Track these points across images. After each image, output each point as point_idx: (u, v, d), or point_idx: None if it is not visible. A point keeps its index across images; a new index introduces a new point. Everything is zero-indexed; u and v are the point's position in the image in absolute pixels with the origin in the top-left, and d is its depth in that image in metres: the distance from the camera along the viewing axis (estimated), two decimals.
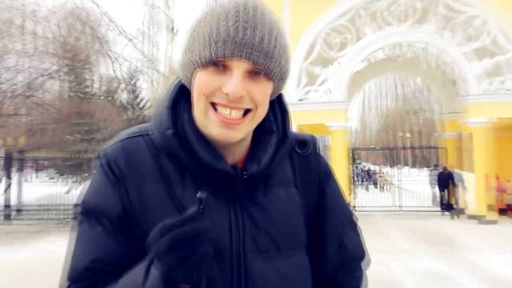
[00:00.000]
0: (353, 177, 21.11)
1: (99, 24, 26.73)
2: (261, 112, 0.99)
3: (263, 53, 0.92)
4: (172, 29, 28.31)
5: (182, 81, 1.04)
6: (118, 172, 0.99)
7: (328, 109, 15.38)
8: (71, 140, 25.45)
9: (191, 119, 1.01)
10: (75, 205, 1.02)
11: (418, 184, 20.70)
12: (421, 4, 15.03)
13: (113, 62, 29.36)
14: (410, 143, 55.54)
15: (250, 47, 0.90)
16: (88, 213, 0.98)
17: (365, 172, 36.79)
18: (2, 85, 25.68)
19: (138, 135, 1.05)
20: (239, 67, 0.92)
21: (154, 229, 0.86)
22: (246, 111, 0.96)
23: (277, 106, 1.10)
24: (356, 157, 29.99)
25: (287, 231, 1.03)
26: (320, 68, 15.82)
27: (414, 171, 32.32)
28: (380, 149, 31.01)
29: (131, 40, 29.18)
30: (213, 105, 0.95)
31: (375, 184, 31.87)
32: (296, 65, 15.51)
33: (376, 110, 70.62)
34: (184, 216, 0.85)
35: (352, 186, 19.16)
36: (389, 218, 16.54)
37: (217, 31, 0.91)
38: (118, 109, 30.24)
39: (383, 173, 29.85)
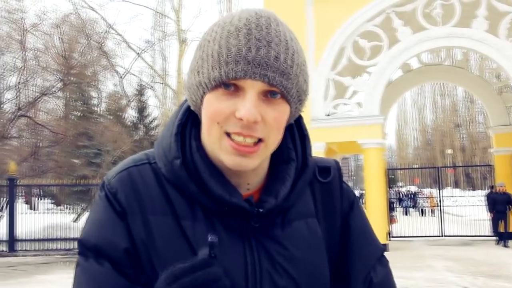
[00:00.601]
0: (391, 201, 20.74)
1: (106, 38, 27.10)
2: (275, 140, 0.97)
3: (279, 72, 0.91)
4: (184, 40, 28.56)
5: (190, 105, 1.03)
6: (125, 204, 0.98)
7: (360, 124, 15.15)
8: (78, 164, 25.69)
9: (200, 147, 1.00)
10: (79, 239, 1.00)
11: (468, 208, 20.18)
12: (460, 5, 14.82)
13: (121, 78, 29.68)
14: (452, 160, 54.70)
15: (265, 66, 0.89)
16: (93, 249, 0.97)
17: (407, 195, 36.21)
18: (3, 105, 26.18)
19: (145, 163, 1.04)
20: (253, 88, 0.91)
21: (162, 275, 0.87)
22: (259, 140, 0.94)
23: (296, 131, 1.09)
24: (393, 177, 29.52)
25: (309, 271, 1.02)
26: (349, 79, 15.65)
27: (457, 191, 31.60)
28: (421, 168, 30.43)
29: (139, 53, 29.50)
30: (227, 134, 0.94)
31: (416, 207, 31.23)
32: (322, 75, 15.39)
33: (415, 124, 69.91)
34: (194, 261, 0.86)
35: (389, 211, 18.82)
36: (432, 246, 16.16)
37: (227, 50, 0.90)
38: (127, 129, 30.51)
39: (431, 195, 29.05)
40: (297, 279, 1.00)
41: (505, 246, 15.52)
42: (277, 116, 0.94)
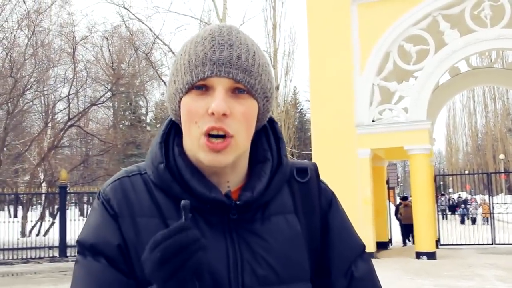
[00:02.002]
0: (440, 208, 20.27)
1: (152, 48, 27.67)
2: (246, 134, 1.06)
3: (241, 69, 1.03)
4: None
5: (172, 117, 1.15)
6: (116, 208, 1.08)
7: (406, 129, 14.86)
8: None
9: (182, 152, 1.10)
10: (77, 240, 1.10)
11: None
12: (510, 6, 14.37)
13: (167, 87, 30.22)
14: (504, 166, 52.97)
15: (228, 65, 1.02)
16: (90, 247, 1.06)
17: (458, 202, 35.24)
18: (55, 116, 27.07)
19: (136, 173, 1.14)
20: (220, 85, 1.02)
21: (146, 247, 0.94)
22: (229, 136, 1.03)
23: (271, 134, 1.18)
24: (442, 184, 28.75)
25: (288, 262, 1.08)
26: (395, 84, 15.41)
27: (510, 198, 30.49)
28: (471, 174, 29.59)
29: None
30: (205, 135, 1.03)
31: (466, 215, 30.29)
32: (367, 80, 15.21)
33: (465, 129, 68.12)
34: (172, 226, 0.93)
35: (438, 218, 18.37)
36: (482, 254, 15.67)
37: (196, 56, 1.04)
38: None
39: (484, 202, 27.95)
40: (276, 268, 1.07)
41: None
42: (245, 111, 1.04)
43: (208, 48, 1.03)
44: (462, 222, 29.03)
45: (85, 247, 1.07)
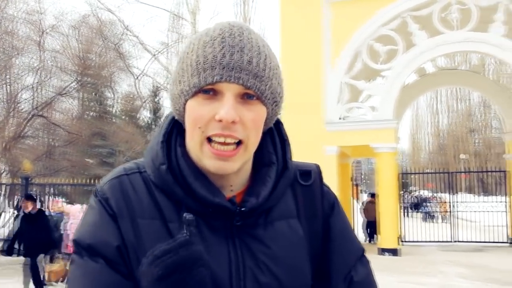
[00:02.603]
0: (403, 206, 20.59)
1: (122, 39, 27.26)
2: (254, 141, 1.03)
3: (252, 74, 0.98)
4: None
5: (174, 115, 1.10)
6: (115, 208, 1.04)
7: (373, 128, 15.06)
8: (91, 164, 25.83)
9: (185, 153, 1.06)
10: (74, 239, 1.06)
11: (481, 213, 19.95)
12: (476, 10, 14.69)
13: (136, 79, 29.82)
14: (465, 165, 54.20)
15: (239, 70, 0.97)
16: (88, 248, 1.03)
17: (420, 199, 35.80)
18: (19, 105, 26.41)
19: (136, 172, 1.10)
20: (229, 91, 0.98)
21: (144, 258, 0.94)
22: (239, 142, 1.01)
23: (277, 136, 1.15)
24: (405, 181, 29.19)
25: (291, 269, 1.07)
26: (364, 82, 15.59)
27: (470, 197, 31.21)
28: (434, 173, 30.14)
29: (155, 55, 29.62)
30: (208, 139, 1.00)
31: (427, 213, 30.84)
32: (336, 79, 15.34)
33: (428, 128, 69.39)
34: (174, 241, 0.92)
35: (401, 216, 18.70)
36: (444, 251, 16.04)
37: (204, 58, 0.98)
38: (141, 130, 30.62)
39: (442, 201, 28.33)
40: (279, 276, 1.04)
41: None
42: (254, 117, 1.01)
43: (217, 50, 0.98)
44: (426, 219, 29.55)
45: (82, 247, 1.03)
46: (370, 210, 18.65)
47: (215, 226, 1.04)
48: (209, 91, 0.99)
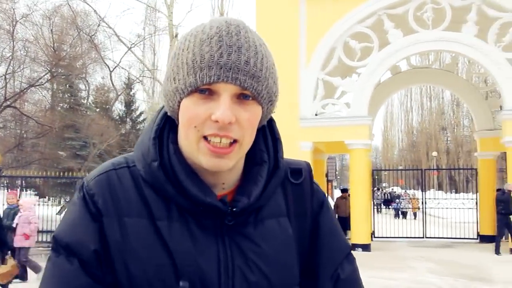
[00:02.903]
0: (375, 202, 20.81)
1: (96, 30, 26.88)
2: (249, 140, 1.03)
3: (249, 75, 0.97)
4: (176, 35, 28.42)
5: (167, 111, 1.09)
6: (101, 206, 1.03)
7: (348, 124, 15.19)
8: (63, 156, 25.46)
9: (177, 150, 1.05)
10: (54, 235, 1.05)
11: (451, 210, 20.31)
12: (450, 10, 14.90)
13: (110, 71, 29.46)
14: (436, 163, 55.06)
15: (236, 70, 0.96)
16: (65, 247, 1.01)
17: (392, 196, 36.27)
18: None
19: (124, 166, 1.08)
20: (226, 91, 0.97)
21: None
22: (234, 141, 1.00)
23: (269, 134, 1.14)
24: (377, 177, 29.52)
25: (280, 268, 1.07)
26: (339, 79, 15.68)
27: (440, 194, 31.71)
28: (406, 169, 30.58)
29: (130, 47, 29.30)
30: (204, 137, 1.00)
31: (398, 210, 31.18)
32: (312, 75, 15.40)
33: (401, 126, 70.23)
34: None
35: (373, 212, 18.91)
36: (414, 247, 16.28)
37: (201, 57, 0.97)
38: (114, 122, 30.29)
39: (413, 197, 28.59)
40: (268, 275, 1.04)
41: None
42: (250, 118, 1.00)
43: (215, 50, 0.97)
44: (397, 216, 29.88)
45: (60, 244, 1.02)
46: (341, 206, 18.77)
47: (205, 224, 1.03)
48: (205, 91, 0.98)
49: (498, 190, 18.00)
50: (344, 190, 20.01)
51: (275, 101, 1.08)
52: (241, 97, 0.99)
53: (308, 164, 1.22)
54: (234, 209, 1.03)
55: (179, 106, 1.02)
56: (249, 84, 0.98)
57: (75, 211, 1.05)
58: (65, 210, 1.11)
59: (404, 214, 29.24)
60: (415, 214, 27.20)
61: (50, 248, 1.07)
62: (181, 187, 1.01)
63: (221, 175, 1.06)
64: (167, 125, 1.09)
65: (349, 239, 16.40)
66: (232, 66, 0.96)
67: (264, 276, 1.04)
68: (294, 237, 1.11)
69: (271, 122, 1.15)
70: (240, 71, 0.97)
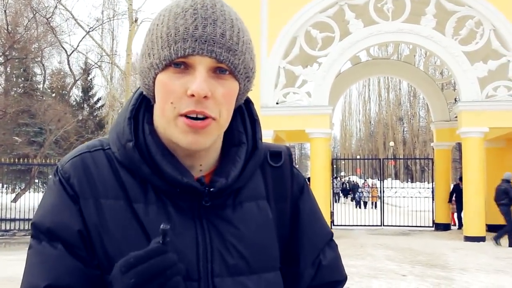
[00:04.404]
0: (334, 191, 21.07)
1: (53, 13, 26.14)
2: (226, 117, 1.00)
3: (225, 48, 0.95)
4: (136, 20, 27.93)
5: (143, 91, 1.06)
6: (77, 188, 1.01)
7: (308, 113, 15.30)
8: (18, 143, 24.76)
9: (153, 130, 1.03)
10: (32, 223, 1.02)
11: (407, 199, 20.79)
12: (410, 2, 15.15)
13: (68, 55, 28.76)
14: (393, 152, 56.21)
15: (211, 43, 0.94)
16: (47, 232, 0.99)
17: (350, 185, 36.72)
18: None
19: (99, 149, 1.06)
20: (201, 64, 0.95)
21: (116, 265, 0.90)
22: (211, 118, 0.98)
23: (247, 115, 1.12)
24: (335, 167, 29.83)
25: (259, 251, 1.05)
26: (300, 68, 15.75)
27: (397, 183, 32.39)
28: (364, 159, 31.09)
29: (88, 31, 28.64)
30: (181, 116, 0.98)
31: (359, 199, 31.50)
32: (273, 63, 15.42)
33: (359, 116, 71.28)
34: (148, 249, 0.89)
35: (332, 201, 19.16)
36: (372, 235, 16.61)
37: (175, 30, 0.95)
38: (71, 108, 29.65)
39: (374, 187, 28.60)
40: (247, 257, 1.03)
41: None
42: (226, 92, 0.98)
43: (189, 22, 0.95)
44: (358, 205, 30.03)
45: (40, 230, 0.99)
46: None
47: (182, 206, 1.01)
48: (180, 65, 0.96)
49: (456, 185, 18.58)
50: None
51: (252, 78, 1.06)
52: (217, 72, 0.97)
53: (288, 148, 1.20)
54: (211, 189, 1.01)
55: (154, 82, 0.99)
56: (225, 57, 0.96)
57: (52, 195, 1.02)
58: (42, 196, 1.06)
59: (365, 204, 29.59)
60: (375, 204, 27.45)
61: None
62: (157, 168, 0.99)
63: (199, 157, 1.04)
64: (143, 106, 1.06)
65: None
66: (207, 38, 0.94)
67: (243, 259, 1.03)
68: (274, 222, 1.09)
69: (249, 103, 1.13)
70: (216, 44, 0.95)
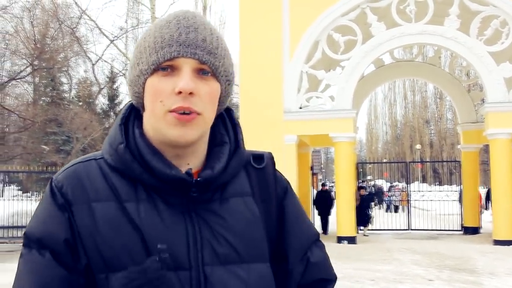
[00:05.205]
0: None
1: (78, 23, 26.60)
2: (210, 114, 1.09)
3: (206, 51, 1.05)
4: None
5: (132, 102, 1.15)
6: (70, 195, 1.07)
7: (332, 117, 15.23)
8: (46, 151, 25.23)
9: (143, 134, 1.11)
10: (25, 232, 1.08)
11: (435, 202, 20.49)
12: (433, 3, 14.99)
13: (93, 64, 29.19)
14: (420, 155, 55.52)
15: (194, 46, 1.05)
16: (36, 241, 1.05)
17: (378, 189, 36.22)
18: None
19: (91, 159, 1.13)
20: (186, 65, 1.04)
21: (117, 277, 0.99)
22: (196, 114, 1.06)
23: (228, 120, 1.20)
24: (361, 171, 29.57)
25: (248, 241, 1.10)
26: (323, 72, 15.71)
27: (424, 186, 31.90)
28: (390, 162, 30.76)
29: (112, 40, 29.04)
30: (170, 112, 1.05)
31: (389, 204, 30.78)
32: (296, 68, 15.41)
33: (385, 119, 70.63)
34: (145, 265, 0.99)
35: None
36: (399, 239, 16.42)
37: (162, 38, 1.05)
38: (98, 116, 30.06)
39: (403, 190, 27.62)
40: (237, 247, 1.08)
41: None
42: (210, 91, 1.07)
43: (174, 30, 1.06)
44: (389, 210, 29.13)
45: (31, 240, 1.06)
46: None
47: (172, 202, 1.07)
48: (167, 68, 1.05)
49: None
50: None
51: (232, 83, 1.14)
52: (201, 73, 1.06)
53: (270, 153, 1.26)
54: (198, 179, 1.07)
55: (143, 88, 1.08)
56: (207, 58, 1.05)
57: (43, 206, 1.09)
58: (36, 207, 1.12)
59: (396, 208, 28.70)
60: (403, 208, 26.70)
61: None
62: (147, 165, 1.06)
63: (186, 157, 1.11)
64: (133, 114, 1.14)
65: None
66: (190, 43, 1.04)
67: (232, 248, 1.07)
68: (261, 220, 1.14)
69: (229, 110, 1.21)
70: (198, 47, 1.05)
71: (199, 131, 1.07)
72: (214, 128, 1.15)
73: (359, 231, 17.61)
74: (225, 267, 1.06)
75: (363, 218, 17.70)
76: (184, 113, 1.03)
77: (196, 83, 1.04)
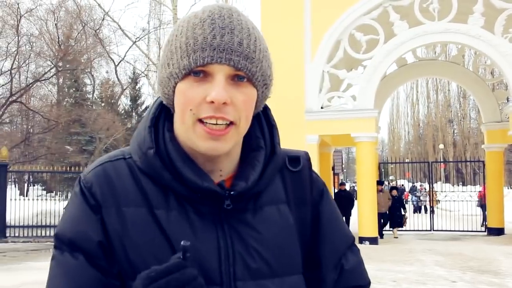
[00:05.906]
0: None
1: (101, 25, 26.89)
2: (245, 123, 1.02)
3: (243, 56, 0.97)
4: None
5: (162, 100, 1.09)
6: (99, 197, 1.02)
7: (354, 117, 15.13)
8: (70, 151, 25.56)
9: (173, 138, 1.05)
10: (55, 234, 1.04)
11: (458, 203, 20.23)
12: (456, 1, 14.79)
13: (115, 65, 29.49)
14: (443, 155, 54.85)
15: (229, 51, 0.96)
16: (68, 243, 1.01)
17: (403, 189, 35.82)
18: None
19: (120, 158, 1.08)
20: (220, 72, 0.97)
21: (139, 277, 0.92)
22: (230, 124, 1.00)
23: (264, 121, 1.14)
24: (383, 171, 29.32)
25: (281, 254, 1.06)
26: (344, 72, 15.62)
27: (448, 186, 31.53)
28: (413, 162, 30.43)
29: (135, 41, 29.29)
30: (200, 120, 0.99)
31: (417, 204, 30.27)
32: (317, 67, 15.35)
33: (407, 118, 69.98)
34: (169, 264, 0.91)
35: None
36: (422, 240, 16.25)
37: (194, 40, 0.97)
38: (120, 117, 30.35)
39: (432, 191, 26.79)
40: (269, 261, 1.03)
41: None
42: (245, 99, 1.00)
43: (207, 32, 0.97)
44: (418, 211, 28.37)
45: (63, 241, 1.02)
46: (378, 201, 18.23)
47: (204, 212, 1.03)
48: (199, 73, 0.98)
49: None
50: (380, 183, 18.06)
51: (270, 86, 1.07)
52: (236, 79, 0.99)
53: (306, 153, 1.21)
54: (232, 193, 1.02)
55: (174, 91, 1.01)
56: (243, 64, 0.97)
57: (74, 206, 1.04)
58: (65, 207, 1.09)
59: (425, 209, 28.01)
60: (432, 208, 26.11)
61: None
62: (177, 173, 1.01)
63: (219, 162, 1.05)
64: (163, 114, 1.08)
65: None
66: (225, 47, 0.96)
67: (266, 262, 1.03)
68: (295, 226, 1.10)
69: (266, 109, 1.15)
70: (234, 52, 0.97)
71: (232, 142, 1.01)
72: (249, 129, 1.08)
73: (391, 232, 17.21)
74: (257, 281, 1.02)
75: (395, 220, 17.46)
76: (216, 124, 0.97)
77: (230, 91, 0.98)
